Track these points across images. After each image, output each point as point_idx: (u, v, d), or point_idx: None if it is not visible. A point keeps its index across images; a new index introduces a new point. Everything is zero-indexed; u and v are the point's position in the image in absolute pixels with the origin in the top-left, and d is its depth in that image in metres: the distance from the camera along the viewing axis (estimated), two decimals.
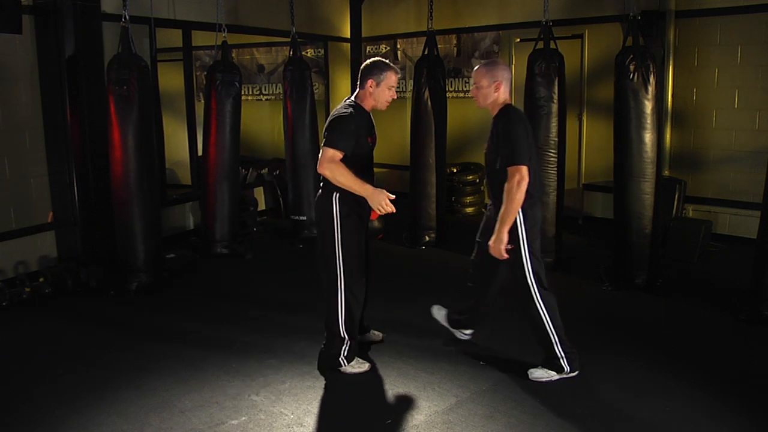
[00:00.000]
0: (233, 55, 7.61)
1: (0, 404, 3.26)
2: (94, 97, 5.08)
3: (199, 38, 6.84)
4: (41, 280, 4.83)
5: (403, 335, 4.01)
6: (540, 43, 5.26)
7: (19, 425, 3.07)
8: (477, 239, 3.66)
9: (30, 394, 3.37)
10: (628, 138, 4.71)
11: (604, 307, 4.57)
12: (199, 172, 6.36)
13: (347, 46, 8.53)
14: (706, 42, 6.10)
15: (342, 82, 8.52)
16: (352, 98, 3.47)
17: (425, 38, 6.12)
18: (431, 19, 6.18)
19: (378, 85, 3.40)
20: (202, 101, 6.23)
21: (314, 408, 3.19)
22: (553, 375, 3.40)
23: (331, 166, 3.22)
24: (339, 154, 3.24)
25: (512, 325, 3.99)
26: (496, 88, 3.32)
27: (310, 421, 3.07)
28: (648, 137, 4.69)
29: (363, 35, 8.55)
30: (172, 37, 6.85)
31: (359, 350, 3.64)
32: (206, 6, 6.17)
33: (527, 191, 3.25)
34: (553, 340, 3.36)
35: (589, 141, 7.03)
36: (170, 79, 7.35)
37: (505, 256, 3.30)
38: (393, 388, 3.39)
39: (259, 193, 7.58)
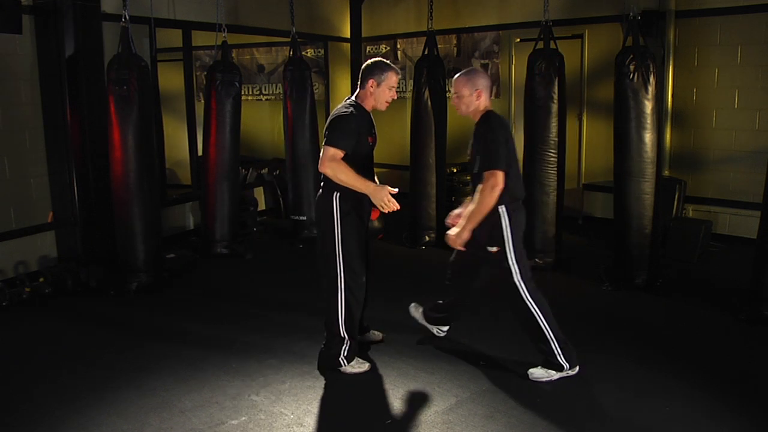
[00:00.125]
0: (233, 55, 7.61)
1: (0, 404, 3.26)
2: (94, 97, 5.08)
3: (199, 38, 6.84)
4: (41, 280, 4.83)
5: (403, 335, 4.01)
6: (540, 43, 5.26)
7: (19, 425, 3.07)
8: None
9: (30, 394, 3.37)
10: (628, 138, 4.71)
11: (604, 307, 4.57)
12: (199, 172, 6.36)
13: (347, 46, 8.53)
14: (706, 42, 6.10)
15: (342, 82, 8.52)
16: (353, 98, 3.47)
17: (425, 38, 6.12)
18: (431, 19, 6.18)
19: (379, 85, 3.41)
20: (202, 101, 6.23)
21: (314, 408, 3.19)
22: (553, 374, 3.40)
23: (333, 164, 3.23)
24: (340, 153, 3.24)
25: (512, 326, 3.97)
26: (478, 96, 3.39)
27: (310, 421, 3.07)
28: (648, 137, 4.69)
29: (363, 35, 8.55)
30: (172, 37, 6.85)
31: (359, 350, 3.64)
32: (206, 6, 6.17)
33: (512, 195, 3.34)
34: (549, 338, 3.37)
35: (589, 141, 7.03)
36: (170, 79, 7.35)
37: (461, 247, 3.39)
38: (393, 388, 3.39)
39: (259, 193, 7.59)
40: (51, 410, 3.18)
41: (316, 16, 7.96)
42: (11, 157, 4.99)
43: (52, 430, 3.02)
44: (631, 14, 4.75)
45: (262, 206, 7.55)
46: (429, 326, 3.98)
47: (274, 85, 8.88)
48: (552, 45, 5.24)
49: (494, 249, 3.36)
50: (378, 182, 3.42)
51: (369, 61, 3.48)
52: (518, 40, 7.34)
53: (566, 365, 3.38)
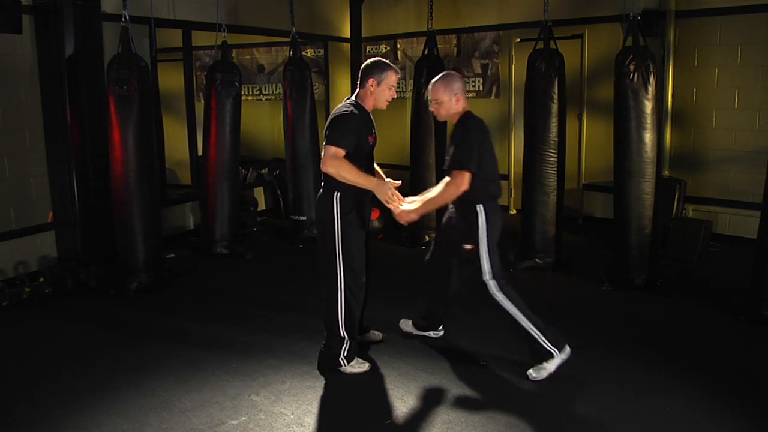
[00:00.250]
0: (233, 55, 7.61)
1: (0, 404, 3.26)
2: (94, 97, 5.08)
3: (199, 38, 6.84)
4: (41, 280, 4.83)
5: (403, 335, 4.02)
6: (540, 43, 5.26)
7: (19, 425, 3.07)
8: (434, 238, 3.83)
9: (30, 394, 3.38)
10: (628, 138, 4.71)
11: (604, 307, 4.57)
12: (199, 172, 6.36)
13: (347, 46, 8.53)
14: (706, 42, 6.10)
15: (342, 82, 8.52)
16: (353, 98, 3.48)
17: (425, 38, 6.13)
18: (431, 19, 6.18)
19: (379, 84, 3.41)
20: (202, 101, 6.23)
21: (314, 408, 3.19)
22: (549, 366, 3.39)
23: (335, 162, 3.23)
24: (342, 152, 3.25)
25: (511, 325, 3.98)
26: (457, 100, 3.46)
27: (310, 421, 3.07)
28: (648, 137, 4.69)
29: (363, 35, 8.55)
30: (172, 37, 6.85)
31: (359, 350, 3.64)
32: (206, 6, 6.17)
33: (490, 194, 3.44)
34: (528, 329, 3.38)
35: (589, 141, 7.03)
36: (170, 79, 7.35)
37: (405, 223, 3.44)
38: (393, 388, 3.39)
39: (259, 193, 7.59)
40: (51, 410, 3.18)
41: (316, 16, 7.96)
42: (11, 157, 4.99)
43: (52, 430, 3.02)
44: (631, 14, 4.75)
45: (262, 206, 7.55)
46: (424, 334, 4.00)
47: (274, 85, 8.89)
48: (552, 45, 5.24)
49: (469, 246, 3.42)
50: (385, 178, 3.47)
51: (368, 61, 3.49)
52: (518, 40, 7.34)
53: (554, 350, 3.39)
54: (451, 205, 3.64)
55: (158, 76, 6.33)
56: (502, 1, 7.47)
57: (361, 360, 3.61)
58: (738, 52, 5.92)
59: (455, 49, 7.93)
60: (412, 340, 3.95)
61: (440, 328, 3.99)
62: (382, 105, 3.48)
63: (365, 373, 3.54)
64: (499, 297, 3.39)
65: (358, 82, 3.48)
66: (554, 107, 5.17)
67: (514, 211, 7.47)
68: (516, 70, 7.39)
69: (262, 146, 9.01)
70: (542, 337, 3.38)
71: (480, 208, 3.41)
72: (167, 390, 3.37)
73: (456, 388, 3.36)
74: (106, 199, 5.01)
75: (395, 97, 3.54)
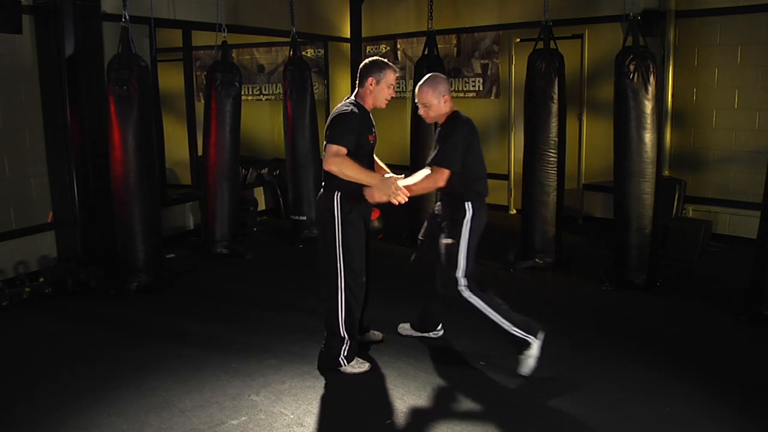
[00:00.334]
0: (233, 55, 7.61)
1: (0, 404, 3.26)
2: (94, 97, 5.08)
3: (199, 38, 6.84)
4: (41, 280, 4.83)
5: (403, 335, 4.01)
6: (540, 43, 5.26)
7: (19, 425, 3.07)
8: (419, 237, 3.82)
9: (30, 394, 3.37)
10: (628, 138, 4.71)
11: (604, 307, 4.57)
12: (199, 172, 6.36)
13: (347, 46, 8.54)
14: (706, 42, 6.10)
15: (342, 82, 8.52)
16: (353, 97, 3.48)
17: (425, 38, 6.12)
18: (431, 19, 6.18)
19: (378, 83, 3.42)
20: (202, 101, 6.23)
21: (314, 408, 3.19)
22: (531, 354, 3.40)
23: (336, 160, 3.23)
24: (343, 150, 3.25)
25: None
26: (445, 102, 3.49)
27: (310, 421, 3.07)
28: (648, 137, 4.69)
29: (363, 35, 8.55)
30: (172, 37, 6.85)
31: (359, 350, 3.64)
32: (206, 6, 6.17)
33: (478, 192, 3.47)
34: (499, 321, 3.40)
35: (589, 141, 7.03)
36: (170, 79, 7.35)
37: (397, 202, 3.36)
38: (393, 388, 3.39)
39: (259, 193, 7.59)
40: (51, 410, 3.18)
41: (316, 16, 7.96)
42: (11, 157, 4.99)
43: (52, 430, 3.02)
44: (631, 14, 4.75)
45: (262, 206, 7.55)
46: (423, 335, 4.00)
47: (274, 85, 8.89)
48: (552, 45, 5.24)
49: (448, 241, 3.45)
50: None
51: (367, 60, 3.50)
52: (518, 40, 7.34)
53: (529, 337, 3.40)
54: (438, 202, 3.68)
55: (158, 76, 6.33)
56: (502, 1, 7.47)
57: (361, 360, 3.61)
58: (738, 52, 5.92)
59: (455, 49, 7.93)
60: (412, 340, 3.96)
61: (439, 327, 4.00)
62: (382, 104, 3.49)
63: (365, 373, 3.54)
64: (466, 294, 3.42)
65: (357, 82, 3.48)
66: (554, 107, 5.18)
67: (514, 211, 7.47)
68: (516, 70, 7.39)
69: (262, 146, 9.01)
70: (514, 327, 3.40)
71: (468, 205, 3.46)
72: (167, 390, 3.37)
73: (456, 388, 3.36)
74: (106, 199, 5.01)
75: (394, 96, 3.55)
